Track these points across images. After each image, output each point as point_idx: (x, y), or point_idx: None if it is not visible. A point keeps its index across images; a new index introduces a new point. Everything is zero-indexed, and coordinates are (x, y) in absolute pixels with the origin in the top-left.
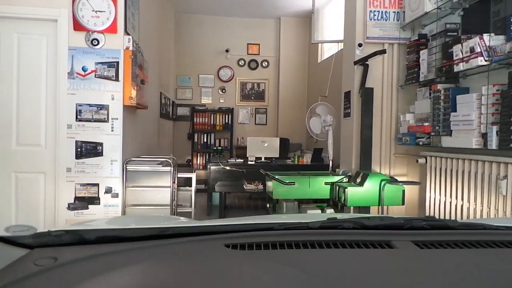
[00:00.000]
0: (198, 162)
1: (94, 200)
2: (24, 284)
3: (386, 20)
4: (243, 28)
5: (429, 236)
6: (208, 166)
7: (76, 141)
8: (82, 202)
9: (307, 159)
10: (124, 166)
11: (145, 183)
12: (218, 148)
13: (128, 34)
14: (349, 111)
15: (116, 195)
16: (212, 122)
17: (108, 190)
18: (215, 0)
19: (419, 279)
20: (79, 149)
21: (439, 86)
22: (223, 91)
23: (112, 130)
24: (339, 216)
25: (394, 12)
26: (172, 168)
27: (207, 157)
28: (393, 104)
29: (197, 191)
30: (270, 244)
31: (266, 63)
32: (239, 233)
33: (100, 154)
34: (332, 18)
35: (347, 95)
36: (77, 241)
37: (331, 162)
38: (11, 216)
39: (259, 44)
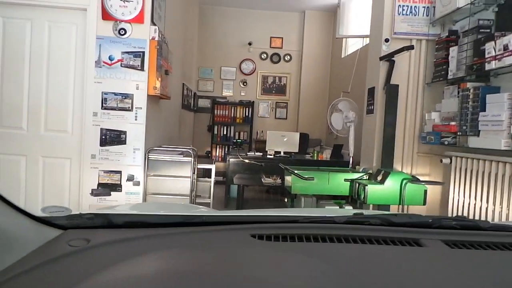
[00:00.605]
0: (217, 154)
1: (117, 187)
2: (59, 263)
3: (415, 15)
4: (267, 21)
5: (460, 236)
6: (227, 159)
7: (101, 129)
8: (105, 188)
9: (326, 155)
10: (146, 154)
11: (166, 172)
12: (238, 140)
13: (154, 24)
14: (372, 107)
15: (137, 183)
16: (232, 115)
17: (130, 178)
18: None
19: (451, 279)
20: (103, 137)
21: (469, 85)
22: (245, 84)
23: (136, 119)
24: (366, 212)
25: (424, 7)
26: (192, 159)
27: (226, 150)
28: (418, 102)
29: (216, 183)
30: (296, 236)
31: (288, 57)
32: (265, 224)
33: (123, 142)
34: (358, 12)
35: (371, 91)
36: (107, 224)
37: (351, 158)
38: (38, 199)
39: (282, 38)
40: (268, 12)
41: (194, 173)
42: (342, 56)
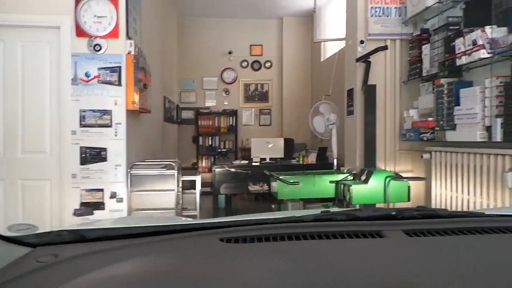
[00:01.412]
0: (204, 165)
1: (100, 205)
2: (25, 280)
3: (387, 16)
4: (246, 29)
5: (420, 225)
6: (213, 169)
7: (81, 147)
8: (88, 207)
9: (312, 158)
10: (128, 170)
11: (149, 187)
12: (223, 150)
13: (130, 38)
14: (352, 109)
15: (121, 200)
16: (216, 125)
17: (113, 195)
18: (217, 2)
19: (407, 266)
20: (83, 155)
21: (442, 81)
22: (227, 93)
23: (116, 135)
24: (333, 209)
25: (396, 7)
26: (176, 171)
27: (212, 160)
28: (396, 100)
29: (203, 194)
30: (264, 237)
31: (269, 63)
32: (234, 227)
33: (104, 159)
34: (334, 16)
35: (350, 92)
36: (78, 240)
37: (335, 160)
38: (19, 223)
39: (262, 45)
40: (247, 20)
41: (178, 185)
42: (322, 60)
